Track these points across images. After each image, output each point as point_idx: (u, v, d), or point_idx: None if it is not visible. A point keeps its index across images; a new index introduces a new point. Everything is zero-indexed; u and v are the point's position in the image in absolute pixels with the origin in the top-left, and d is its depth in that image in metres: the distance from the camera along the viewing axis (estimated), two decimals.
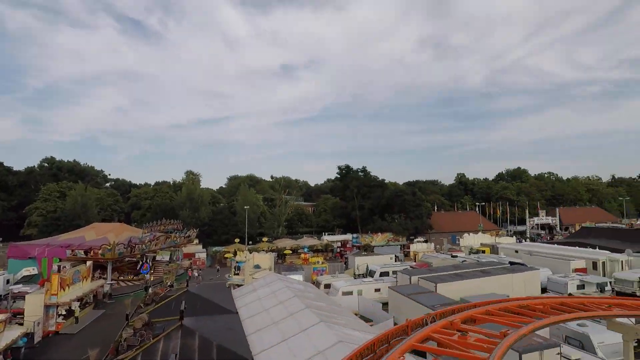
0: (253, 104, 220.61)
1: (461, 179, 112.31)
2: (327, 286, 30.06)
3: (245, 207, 65.33)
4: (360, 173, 76.46)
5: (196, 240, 56.18)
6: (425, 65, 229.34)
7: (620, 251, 37.74)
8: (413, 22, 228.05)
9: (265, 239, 60.55)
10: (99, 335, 21.64)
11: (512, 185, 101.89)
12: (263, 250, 49.96)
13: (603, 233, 53.27)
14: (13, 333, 18.63)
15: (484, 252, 46.94)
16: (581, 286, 27.77)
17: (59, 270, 24.50)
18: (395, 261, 42.76)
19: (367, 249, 55.79)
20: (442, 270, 29.31)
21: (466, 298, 22.75)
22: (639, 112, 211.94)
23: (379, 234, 63.48)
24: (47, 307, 22.94)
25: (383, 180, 79.28)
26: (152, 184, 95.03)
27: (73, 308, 25.01)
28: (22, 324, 21.02)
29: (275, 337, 14.00)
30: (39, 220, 63.47)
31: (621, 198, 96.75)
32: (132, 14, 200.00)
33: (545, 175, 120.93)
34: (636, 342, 18.67)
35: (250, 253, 39.56)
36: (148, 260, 37.96)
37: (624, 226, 66.10)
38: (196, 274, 42.38)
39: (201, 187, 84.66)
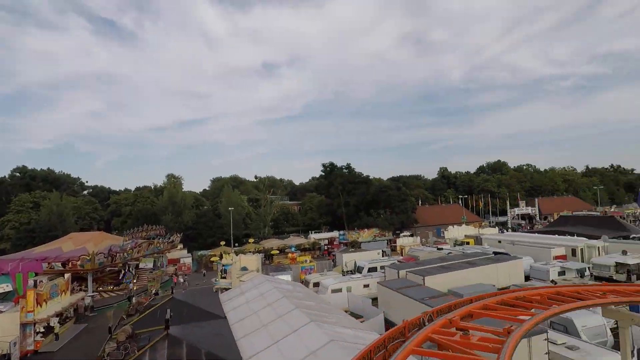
0: (234, 104, 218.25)
1: (444, 173, 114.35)
2: (316, 285, 29.93)
3: (229, 208, 64.40)
4: (344, 170, 76.66)
5: (180, 245, 55.00)
6: (406, 62, 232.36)
7: (597, 238, 39.24)
8: (393, 19, 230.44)
9: (251, 240, 59.93)
10: (81, 351, 20.87)
11: (493, 177, 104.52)
12: (250, 251, 49.41)
13: (580, 221, 55.24)
14: None
15: (468, 243, 47.85)
16: (562, 272, 28.63)
17: (35, 286, 23.34)
18: (383, 256, 43.01)
19: (355, 246, 55.98)
20: (429, 263, 29.66)
21: (454, 289, 23.07)
22: (609, 105, 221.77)
23: (366, 230, 63.89)
24: (24, 325, 21.84)
25: (368, 176, 79.79)
26: (133, 189, 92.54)
27: (52, 324, 23.90)
28: None
29: (266, 340, 13.74)
30: (11, 234, 60.80)
31: (595, 187, 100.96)
32: (104, 14, 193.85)
33: (524, 167, 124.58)
34: (615, 324, 19.47)
35: (237, 255, 39.04)
36: (131, 269, 36.86)
37: (598, 214, 68.87)
38: (182, 280, 41.47)
39: (184, 190, 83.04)
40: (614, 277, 28.88)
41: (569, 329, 16.96)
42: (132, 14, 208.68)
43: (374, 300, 25.31)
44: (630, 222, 62.10)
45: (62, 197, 68.36)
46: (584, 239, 38.41)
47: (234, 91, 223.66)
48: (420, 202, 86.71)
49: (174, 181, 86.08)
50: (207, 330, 15.09)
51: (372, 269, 33.73)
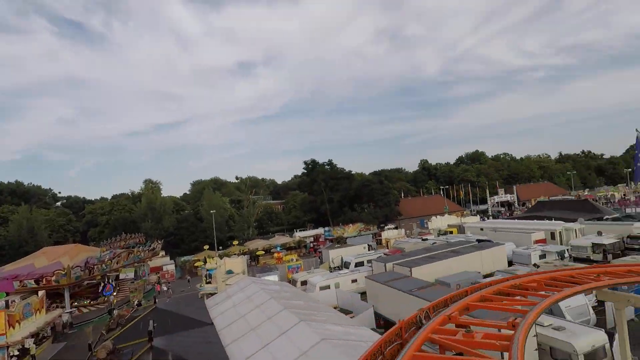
0: (211, 105, 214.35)
1: (424, 165, 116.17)
2: (304, 283, 29.60)
3: (211, 211, 63.06)
4: (326, 166, 76.43)
5: (162, 252, 53.41)
6: (383, 58, 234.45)
7: (573, 220, 40.60)
8: (368, 15, 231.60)
9: (235, 242, 58.89)
10: None
11: (472, 167, 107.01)
12: (234, 254, 48.55)
13: (556, 205, 57.15)
14: None
15: (452, 232, 48.61)
16: (543, 256, 29.38)
17: (6, 306, 21.95)
18: (369, 250, 43.11)
19: (340, 241, 55.98)
20: (415, 254, 29.81)
21: (441, 279, 23.25)
22: (579, 94, 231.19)
23: (350, 225, 63.99)
24: None
25: (350, 171, 79.88)
26: (109, 197, 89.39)
27: (27, 346, 22.47)
28: None
29: (255, 344, 13.31)
30: None
31: (569, 172, 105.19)
32: (69, 15, 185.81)
33: (501, 156, 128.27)
34: (597, 302, 20.00)
35: (221, 259, 38.12)
36: (111, 281, 35.38)
37: (573, 197, 71.69)
38: (165, 288, 40.27)
39: (163, 195, 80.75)
40: (591, 257, 29.90)
41: (553, 309, 17.28)
42: (100, 14, 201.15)
43: (363, 295, 25.22)
44: (602, 204, 64.75)
45: (31, 210, 65.14)
46: (561, 222, 39.62)
47: (211, 92, 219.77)
48: (402, 195, 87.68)
49: (152, 186, 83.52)
50: (193, 339, 14.51)
51: (359, 264, 33.62)
